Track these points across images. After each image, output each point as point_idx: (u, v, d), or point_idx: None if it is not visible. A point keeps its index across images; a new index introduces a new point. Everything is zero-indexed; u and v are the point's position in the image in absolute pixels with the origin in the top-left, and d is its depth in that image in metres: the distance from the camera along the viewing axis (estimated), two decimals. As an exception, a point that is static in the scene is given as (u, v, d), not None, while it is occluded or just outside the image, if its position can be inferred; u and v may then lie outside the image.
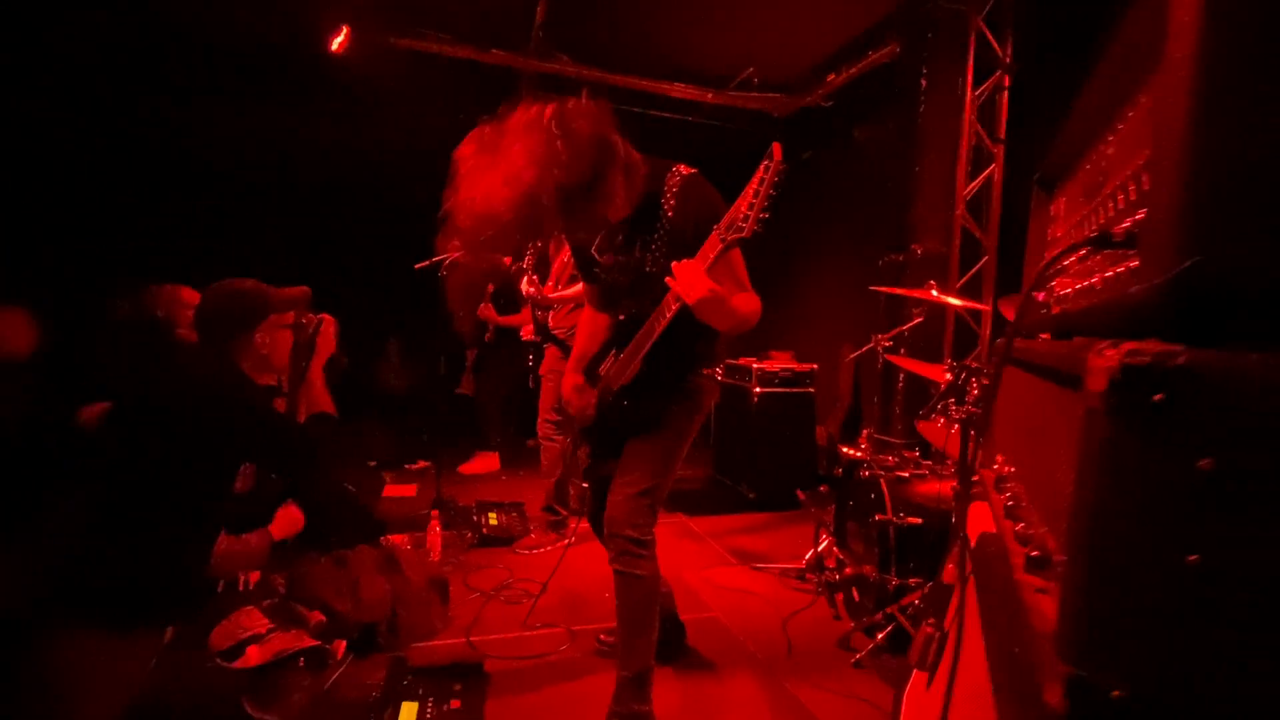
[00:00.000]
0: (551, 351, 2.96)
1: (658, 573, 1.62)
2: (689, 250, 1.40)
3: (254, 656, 1.65)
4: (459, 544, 2.77)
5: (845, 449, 2.55)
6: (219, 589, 1.85)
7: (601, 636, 2.02)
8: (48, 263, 3.67)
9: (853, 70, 4.12)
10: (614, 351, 1.71)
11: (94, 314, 2.51)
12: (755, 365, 3.59)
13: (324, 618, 1.79)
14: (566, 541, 2.71)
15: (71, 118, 4.08)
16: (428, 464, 4.07)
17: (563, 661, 1.95)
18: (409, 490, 3.61)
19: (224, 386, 1.50)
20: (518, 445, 4.53)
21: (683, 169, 1.57)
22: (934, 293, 2.32)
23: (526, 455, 4.38)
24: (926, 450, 2.73)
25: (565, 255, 2.96)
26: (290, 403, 1.78)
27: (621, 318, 1.70)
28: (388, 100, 4.25)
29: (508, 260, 3.19)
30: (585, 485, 1.86)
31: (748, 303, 1.50)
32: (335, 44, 3.76)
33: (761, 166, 1.28)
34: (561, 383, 1.82)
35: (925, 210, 3.40)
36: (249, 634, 1.68)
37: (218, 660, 1.63)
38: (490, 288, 3.84)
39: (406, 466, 4.06)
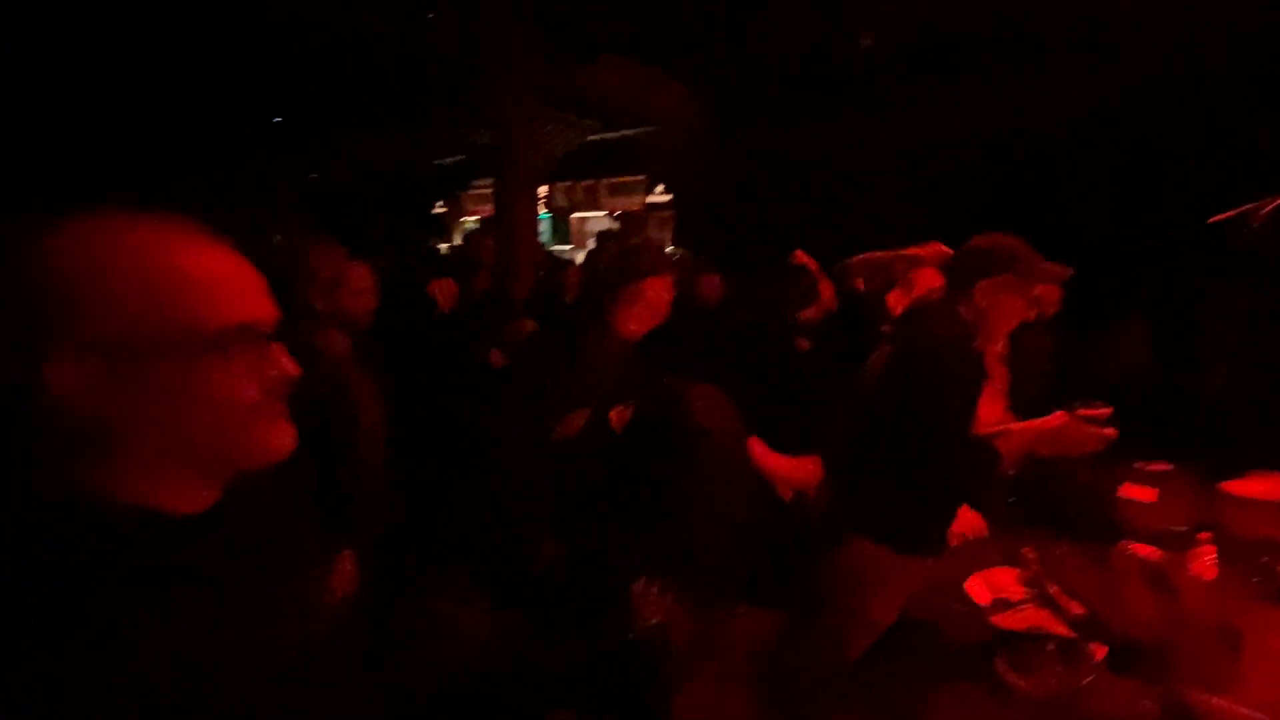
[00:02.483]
0: None
1: None
2: None
3: (1010, 620, 1.69)
4: (1241, 588, 2.11)
5: None
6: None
7: None
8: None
9: None
10: None
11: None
12: None
13: (1083, 610, 1.67)
14: None
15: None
16: (1171, 466, 3.29)
17: None
18: (1148, 494, 3.00)
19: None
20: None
21: None
22: None
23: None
24: None
25: None
26: None
27: None
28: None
29: None
30: None
31: None
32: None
33: None
34: None
35: None
36: (1004, 596, 1.73)
37: (976, 609, 1.75)
38: None
39: (1139, 465, 3.40)
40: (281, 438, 0.69)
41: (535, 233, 6.26)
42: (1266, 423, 3.19)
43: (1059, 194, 5.28)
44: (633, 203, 8.68)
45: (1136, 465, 3.44)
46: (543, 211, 9.40)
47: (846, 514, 1.66)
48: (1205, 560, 2.07)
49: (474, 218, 10.91)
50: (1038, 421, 1.59)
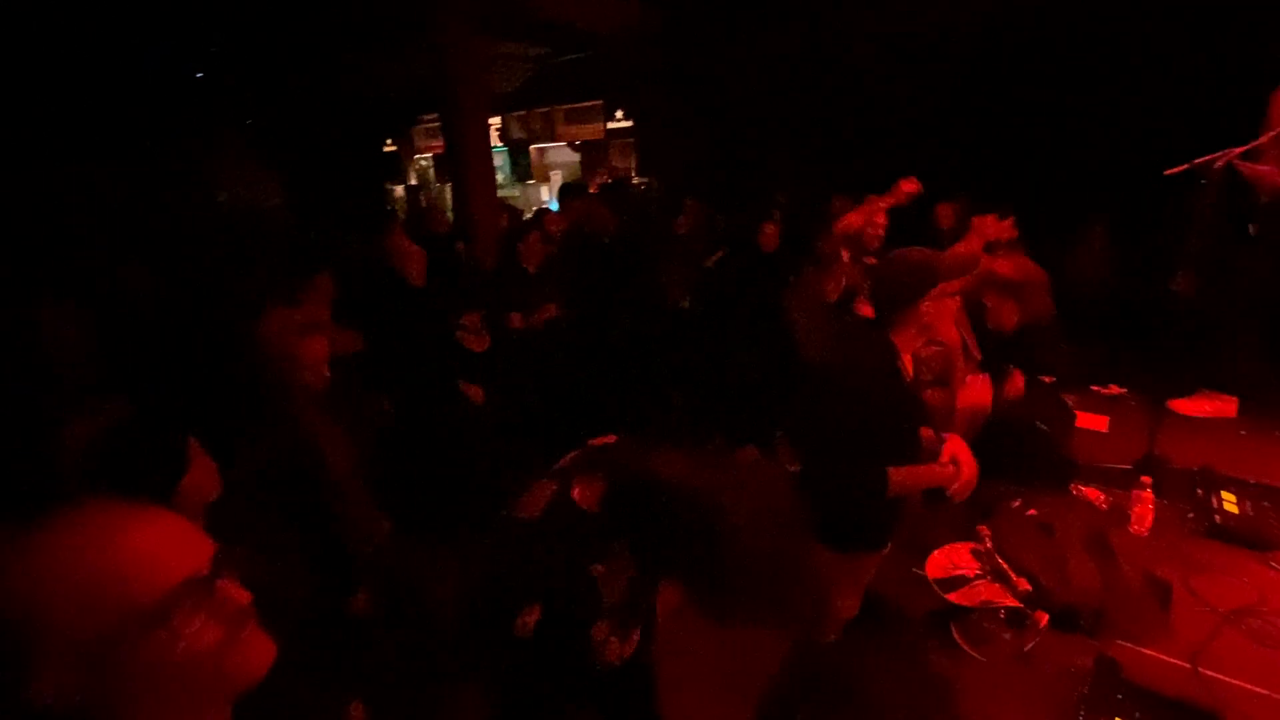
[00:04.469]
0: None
1: None
2: None
3: (964, 596, 1.86)
4: (1177, 526, 2.31)
5: None
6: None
7: None
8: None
9: None
10: None
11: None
12: None
13: (1029, 586, 1.84)
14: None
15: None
16: (1123, 390, 3.48)
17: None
18: (1100, 423, 3.19)
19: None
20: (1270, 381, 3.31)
21: None
22: None
23: (1271, 403, 3.17)
24: None
25: None
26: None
27: None
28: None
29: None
30: None
31: None
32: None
33: None
34: None
35: None
36: (960, 573, 1.90)
37: (933, 585, 1.91)
38: None
39: (1094, 389, 3.58)
40: (260, 655, 0.74)
41: (490, 166, 6.01)
42: (1220, 340, 3.33)
43: (1021, 105, 5.14)
44: (592, 130, 8.29)
45: (1093, 389, 3.63)
46: (498, 144, 8.96)
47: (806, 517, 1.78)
48: (1144, 506, 2.25)
49: (427, 154, 10.40)
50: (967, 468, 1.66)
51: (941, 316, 1.73)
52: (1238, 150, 2.21)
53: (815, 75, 6.31)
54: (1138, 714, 1.54)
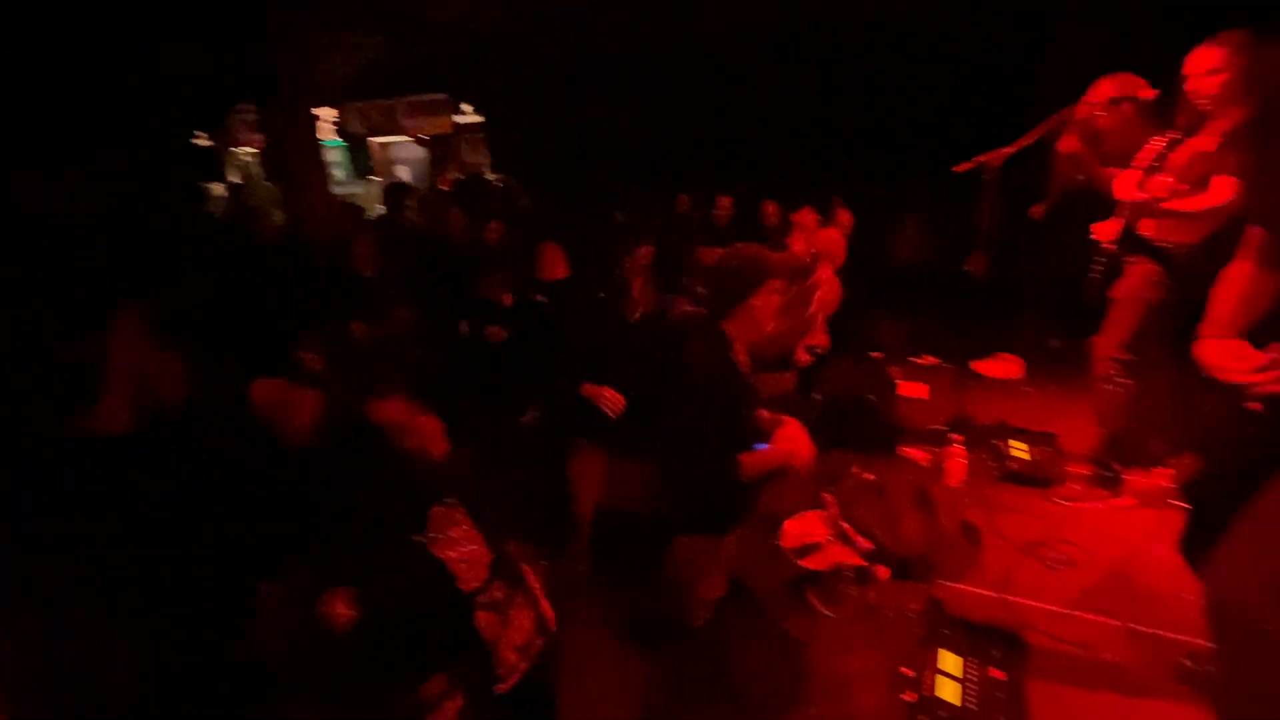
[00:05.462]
0: (1139, 270, 2.34)
1: None
2: None
3: (816, 561, 2.01)
4: (983, 475, 2.67)
5: None
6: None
7: (1187, 661, 1.69)
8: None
9: None
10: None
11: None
12: None
13: (870, 544, 2.03)
14: (1127, 504, 2.32)
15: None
16: (938, 360, 3.95)
17: (1120, 666, 1.75)
18: (921, 391, 3.59)
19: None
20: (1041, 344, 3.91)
21: None
22: None
23: (1050, 364, 3.77)
24: None
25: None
26: None
27: None
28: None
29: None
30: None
31: None
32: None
33: None
34: (1205, 349, 1.33)
35: None
36: (813, 540, 2.05)
37: (789, 554, 2.06)
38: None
39: (912, 360, 4.02)
40: None
41: (320, 161, 5.52)
42: (1009, 311, 3.91)
43: (848, 109, 5.66)
44: (438, 124, 7.93)
45: (910, 360, 4.09)
46: (334, 139, 8.28)
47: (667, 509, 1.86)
48: (955, 461, 2.58)
49: (248, 149, 9.36)
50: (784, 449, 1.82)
51: (774, 309, 1.87)
52: (1008, 149, 2.58)
53: (664, 71, 6.47)
54: (959, 643, 1.76)
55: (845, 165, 5.35)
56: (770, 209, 4.86)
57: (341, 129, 8.46)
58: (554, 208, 4.94)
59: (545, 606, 1.52)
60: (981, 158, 2.59)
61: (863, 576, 2.01)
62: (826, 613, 1.97)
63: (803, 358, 3.40)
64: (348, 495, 1.47)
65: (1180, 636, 1.76)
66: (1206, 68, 1.99)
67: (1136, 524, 2.24)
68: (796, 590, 2.03)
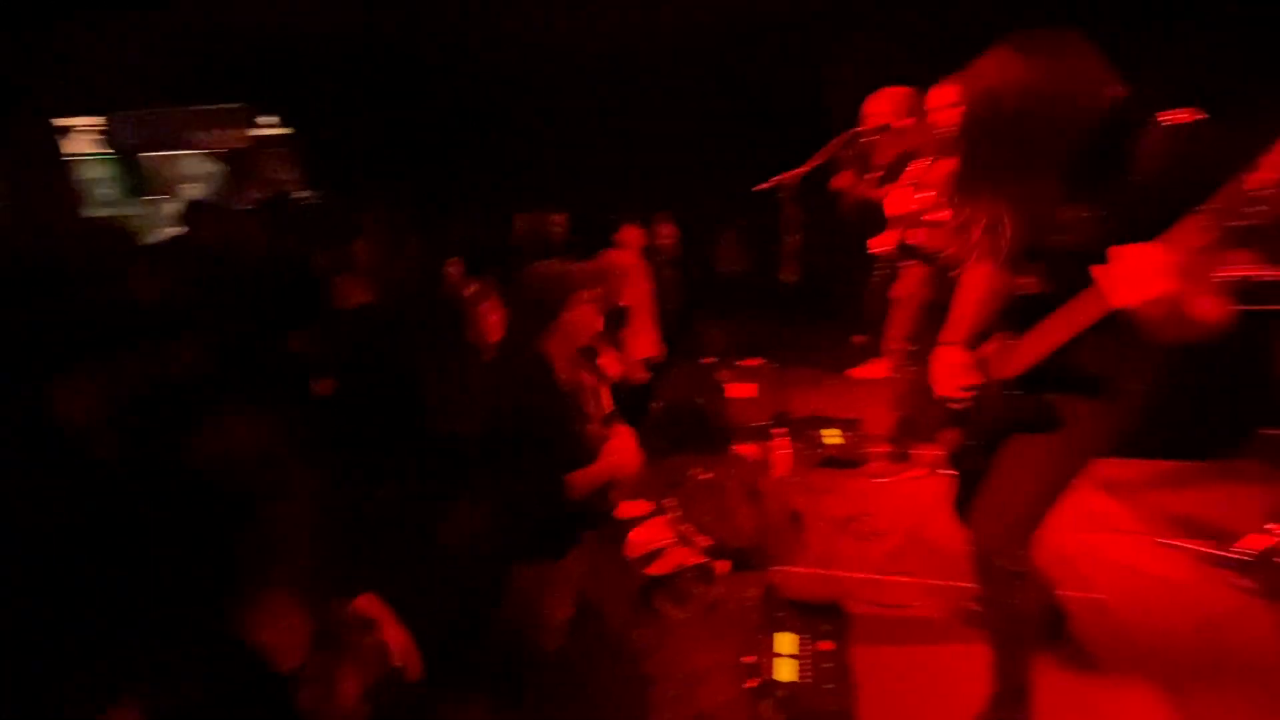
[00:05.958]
0: (913, 274, 2.72)
1: (1036, 600, 1.50)
2: (1146, 230, 1.05)
3: (660, 566, 2.06)
4: (804, 462, 2.92)
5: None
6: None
7: (973, 605, 1.97)
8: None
9: None
10: (1003, 332, 1.47)
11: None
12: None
13: (710, 541, 2.12)
14: (919, 475, 2.66)
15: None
16: (762, 361, 4.27)
17: (925, 620, 2.00)
18: (750, 390, 3.86)
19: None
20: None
21: (1182, 114, 1.16)
22: None
23: (853, 358, 4.24)
24: None
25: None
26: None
27: (1023, 292, 1.43)
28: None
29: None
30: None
31: (1210, 310, 1.07)
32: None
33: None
34: (937, 356, 1.64)
35: None
36: (657, 545, 2.10)
37: (634, 564, 2.09)
38: None
39: (739, 363, 4.32)
40: None
41: (65, 178, 4.65)
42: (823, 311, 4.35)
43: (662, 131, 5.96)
44: (233, 137, 7.09)
45: (738, 363, 4.39)
46: (98, 151, 7.08)
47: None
48: (780, 453, 2.80)
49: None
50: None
51: (591, 318, 1.90)
52: (800, 170, 2.88)
53: (490, 84, 6.35)
54: (793, 623, 1.90)
55: (671, 181, 5.64)
56: (610, 225, 4.98)
57: (112, 138, 7.26)
58: (376, 229, 4.62)
59: (396, 642, 1.39)
60: (777, 178, 2.85)
61: (705, 574, 2.10)
62: (674, 615, 2.02)
63: (639, 374, 3.51)
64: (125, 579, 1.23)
65: (964, 584, 2.05)
66: (945, 102, 2.37)
67: (926, 492, 2.58)
68: (646, 598, 2.06)
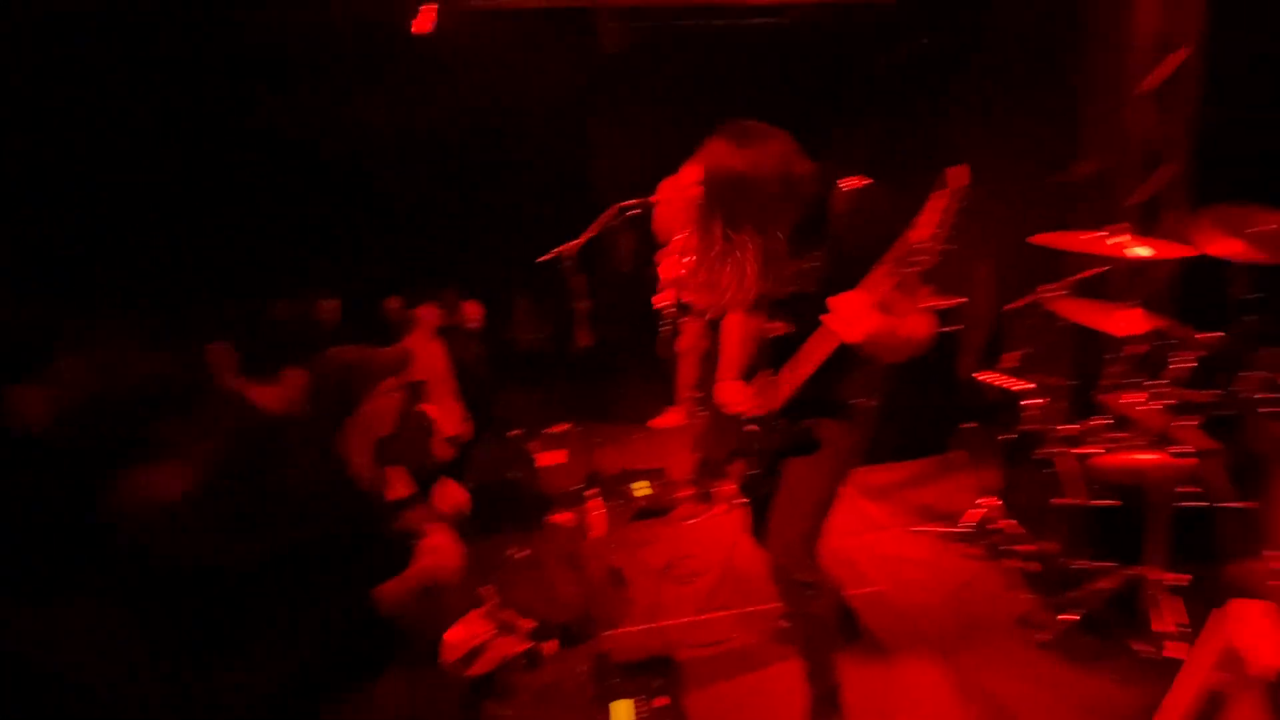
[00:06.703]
0: (693, 327, 2.96)
1: (831, 605, 1.69)
2: (851, 275, 1.33)
3: (482, 665, 1.91)
4: (619, 519, 2.95)
5: (1002, 380, 2.43)
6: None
7: (782, 623, 2.11)
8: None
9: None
10: (764, 369, 1.68)
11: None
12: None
13: (533, 623, 2.02)
14: (722, 510, 2.84)
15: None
16: (569, 425, 4.29)
17: (746, 649, 2.09)
18: (560, 457, 3.85)
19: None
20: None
21: (855, 181, 1.47)
22: (1122, 242, 2.03)
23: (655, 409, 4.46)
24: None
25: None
26: None
27: (774, 334, 1.66)
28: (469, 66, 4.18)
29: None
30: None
31: (918, 327, 1.40)
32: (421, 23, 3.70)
33: (944, 192, 1.20)
34: (719, 391, 1.80)
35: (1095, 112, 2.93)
36: (476, 643, 1.94)
37: (454, 669, 1.90)
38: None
39: (545, 431, 4.29)
40: None
41: None
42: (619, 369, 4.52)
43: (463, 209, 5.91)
44: None
45: (545, 431, 4.37)
46: None
47: None
48: (594, 514, 2.81)
49: None
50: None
51: (393, 409, 1.76)
52: (577, 242, 3.04)
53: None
54: (628, 687, 1.87)
55: (460, 257, 5.55)
56: (393, 305, 4.71)
57: None
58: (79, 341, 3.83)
59: None
60: (557, 249, 2.96)
61: (532, 659, 1.99)
62: (506, 713, 1.87)
63: (444, 451, 3.31)
64: None
65: (773, 605, 2.21)
66: (689, 181, 2.68)
67: (731, 525, 2.75)
68: (471, 705, 1.88)
